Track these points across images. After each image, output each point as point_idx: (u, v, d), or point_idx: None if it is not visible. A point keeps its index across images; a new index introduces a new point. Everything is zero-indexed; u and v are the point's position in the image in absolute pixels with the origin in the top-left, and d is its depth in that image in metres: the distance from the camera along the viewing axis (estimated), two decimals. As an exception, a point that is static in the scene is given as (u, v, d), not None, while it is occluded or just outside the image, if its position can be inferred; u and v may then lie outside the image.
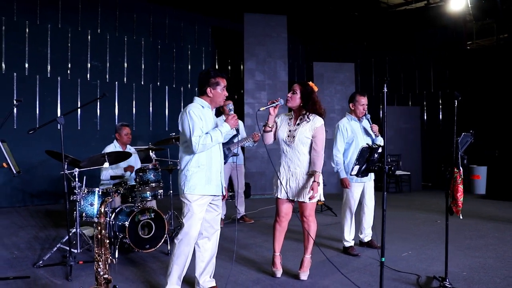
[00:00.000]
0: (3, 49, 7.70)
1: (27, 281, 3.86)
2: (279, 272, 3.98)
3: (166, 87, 9.91)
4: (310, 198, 3.76)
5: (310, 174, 3.78)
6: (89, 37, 8.71)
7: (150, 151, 5.09)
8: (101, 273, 2.33)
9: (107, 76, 8.97)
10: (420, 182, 10.33)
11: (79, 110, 8.46)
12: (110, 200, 2.53)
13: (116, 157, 4.80)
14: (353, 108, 4.86)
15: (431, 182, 10.69)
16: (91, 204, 4.72)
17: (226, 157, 6.02)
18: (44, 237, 5.51)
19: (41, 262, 4.29)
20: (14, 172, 3.78)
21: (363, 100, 4.81)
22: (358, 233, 4.98)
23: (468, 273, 4.03)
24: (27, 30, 7.96)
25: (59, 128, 4.19)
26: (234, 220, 6.60)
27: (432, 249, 4.88)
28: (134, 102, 9.37)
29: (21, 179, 7.78)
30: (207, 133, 3.25)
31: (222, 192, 3.46)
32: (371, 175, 4.82)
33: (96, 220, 4.76)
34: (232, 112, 3.49)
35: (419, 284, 3.75)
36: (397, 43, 11.42)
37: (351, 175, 2.85)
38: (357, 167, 2.76)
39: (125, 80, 9.23)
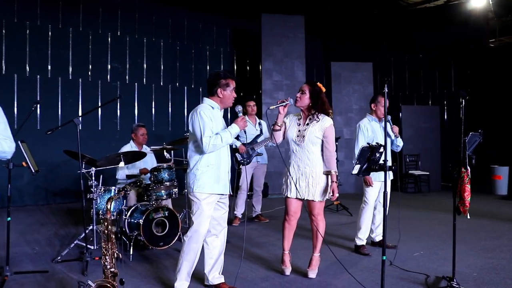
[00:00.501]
0: (27, 52, 7.97)
1: (45, 275, 4.02)
2: (288, 270, 4.03)
3: (185, 87, 10.05)
4: (331, 199, 3.91)
5: (326, 173, 3.86)
6: (109, 39, 8.93)
7: (165, 151, 5.20)
8: (108, 266, 2.44)
9: (127, 77, 9.16)
10: (439, 182, 10.20)
11: (99, 110, 8.68)
12: (117, 197, 2.62)
13: (132, 157, 4.94)
14: (374, 109, 4.90)
15: (451, 182, 10.52)
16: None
17: (250, 157, 6.11)
18: (64, 234, 5.70)
19: (59, 257, 4.45)
20: (33, 170, 3.95)
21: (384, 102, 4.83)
22: (370, 233, 4.99)
23: (479, 273, 4.00)
24: (49, 34, 8.22)
25: (79, 128, 4.30)
26: (249, 219, 6.68)
27: (445, 249, 4.83)
28: (153, 102, 9.55)
29: (44, 178, 8.06)
30: (217, 134, 3.34)
31: (230, 191, 3.54)
32: (390, 174, 4.86)
33: (112, 217, 4.92)
34: (241, 114, 3.56)
35: (427, 283, 3.75)
36: (417, 42, 11.30)
37: (352, 174, 2.89)
38: (358, 166, 2.79)
39: (144, 81, 9.41)
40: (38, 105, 4.44)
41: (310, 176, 3.85)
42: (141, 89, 9.35)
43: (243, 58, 11.07)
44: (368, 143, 2.73)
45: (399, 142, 4.85)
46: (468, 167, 3.34)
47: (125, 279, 3.85)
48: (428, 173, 9.74)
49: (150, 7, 9.46)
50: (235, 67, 10.95)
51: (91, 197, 4.64)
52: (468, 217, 3.46)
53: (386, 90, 2.81)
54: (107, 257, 2.45)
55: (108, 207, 2.45)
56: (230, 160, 3.61)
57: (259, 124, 6.43)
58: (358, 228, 4.85)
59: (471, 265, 4.26)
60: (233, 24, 10.81)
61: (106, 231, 2.45)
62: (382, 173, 4.60)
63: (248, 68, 11.16)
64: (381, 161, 2.92)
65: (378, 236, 5.01)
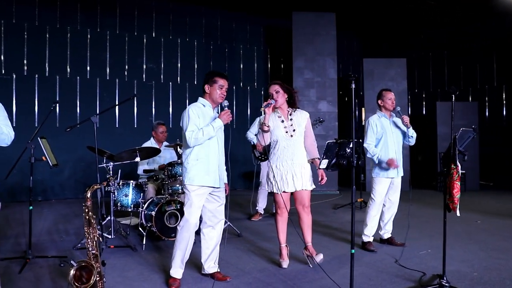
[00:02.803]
0: (68, 55, 8.55)
1: (63, 260, 4.37)
2: (285, 263, 4.15)
3: (219, 86, 10.29)
4: (320, 183, 4.11)
5: (311, 161, 4.09)
6: (144, 40, 9.36)
7: (178, 147, 5.45)
8: (90, 249, 2.70)
9: (162, 77, 9.57)
10: (477, 181, 9.82)
11: (135, 109, 9.14)
12: (98, 187, 2.87)
13: (147, 153, 5.23)
14: (382, 104, 4.95)
15: (492, 181, 10.14)
16: (126, 195, 5.21)
17: (268, 153, 6.25)
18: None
19: (79, 244, 4.81)
20: (51, 164, 4.30)
21: (389, 95, 4.91)
22: (378, 230, 4.99)
23: (481, 273, 3.91)
24: (88, 37, 8.75)
25: (96, 126, 4.64)
26: (271, 214, 6.82)
27: (455, 248, 4.74)
28: (187, 101, 9.88)
29: (83, 173, 8.61)
30: (200, 128, 3.53)
31: (219, 185, 3.69)
32: (399, 171, 4.85)
33: (130, 209, 5.25)
34: (226, 109, 3.68)
35: (421, 281, 3.73)
36: (456, 35, 10.92)
37: (319, 168, 2.95)
38: (326, 161, 2.86)
39: (178, 80, 9.78)
40: (54, 105, 4.76)
41: (303, 167, 4.04)
42: (175, 88, 9.73)
43: (276, 56, 11.20)
44: (335, 139, 2.79)
45: (411, 133, 4.84)
46: (459, 164, 3.30)
47: (131, 267, 4.17)
48: (464, 171, 9.42)
49: (184, 9, 9.80)
50: (269, 65, 11.11)
51: (108, 189, 4.98)
52: (458, 214, 3.41)
53: (353, 86, 2.86)
54: (89, 240, 2.71)
55: (88, 195, 2.71)
56: (223, 154, 3.77)
57: None
58: (364, 224, 4.87)
59: (475, 264, 4.17)
60: (266, 22, 10.97)
61: (87, 217, 2.71)
62: (391, 170, 4.66)
63: (282, 66, 11.27)
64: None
65: (386, 233, 4.99)
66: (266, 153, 6.41)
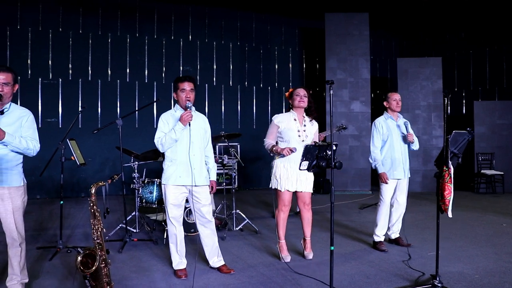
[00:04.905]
0: (109, 60, 9.12)
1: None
2: (288, 257, 4.38)
3: (254, 87, 10.60)
4: None
5: None
6: (181, 44, 9.79)
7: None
8: (95, 238, 3.03)
9: (198, 78, 9.96)
10: (518, 183, 9.49)
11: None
12: (103, 184, 3.18)
13: (169, 153, 5.57)
14: (387, 106, 5.00)
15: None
16: (150, 192, 5.59)
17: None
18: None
19: (106, 237, 5.23)
20: (78, 163, 4.74)
21: (394, 96, 4.98)
22: (386, 230, 5.05)
23: (482, 275, 3.91)
24: (128, 42, 9.29)
25: (121, 128, 5.05)
26: (296, 214, 6.99)
27: (467, 250, 4.74)
28: (223, 102, 10.24)
29: (124, 171, 9.14)
30: (165, 134, 3.80)
31: (196, 183, 3.83)
32: (406, 173, 4.92)
33: (154, 206, 5.63)
34: (189, 110, 3.78)
35: (417, 281, 3.80)
36: (498, 32, 10.53)
37: (300, 169, 3.10)
38: (306, 163, 3.01)
39: (214, 82, 10.14)
40: (81, 110, 5.22)
41: None
42: (211, 89, 10.10)
43: (312, 57, 11.31)
44: (315, 142, 2.94)
45: (414, 147, 5.01)
46: (451, 166, 3.35)
47: (148, 258, 4.52)
48: (502, 172, 9.12)
49: (219, 13, 10.16)
50: (304, 66, 11.24)
51: (133, 187, 5.37)
52: (450, 215, 3.46)
53: (331, 92, 2.98)
54: (94, 231, 3.04)
55: (92, 191, 3.04)
56: (201, 153, 3.96)
57: None
58: (375, 225, 4.96)
59: (480, 267, 4.16)
60: (301, 24, 11.12)
61: (92, 210, 3.04)
62: (398, 171, 4.75)
63: (318, 66, 11.36)
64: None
65: (394, 234, 5.05)
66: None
